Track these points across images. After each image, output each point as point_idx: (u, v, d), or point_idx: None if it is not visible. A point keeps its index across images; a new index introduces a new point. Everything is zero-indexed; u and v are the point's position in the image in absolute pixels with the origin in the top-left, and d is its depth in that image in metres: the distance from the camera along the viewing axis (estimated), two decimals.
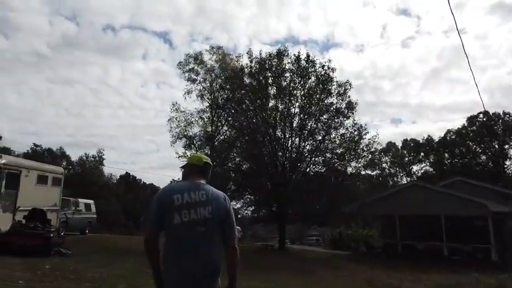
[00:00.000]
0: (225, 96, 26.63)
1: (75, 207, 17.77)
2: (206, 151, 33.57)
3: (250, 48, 23.94)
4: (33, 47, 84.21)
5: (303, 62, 22.95)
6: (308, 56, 22.98)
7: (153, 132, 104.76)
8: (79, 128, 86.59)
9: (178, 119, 33.49)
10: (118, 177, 69.15)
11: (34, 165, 13.57)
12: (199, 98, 34.67)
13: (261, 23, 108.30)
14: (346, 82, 23.06)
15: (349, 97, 22.89)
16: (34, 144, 58.53)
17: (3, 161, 11.30)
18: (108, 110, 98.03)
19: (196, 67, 35.35)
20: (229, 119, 26.53)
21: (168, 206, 2.43)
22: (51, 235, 9.39)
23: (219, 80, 30.47)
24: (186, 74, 34.99)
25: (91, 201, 20.79)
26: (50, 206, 14.12)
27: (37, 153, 58.28)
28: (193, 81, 35.12)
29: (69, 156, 63.98)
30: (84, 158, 62.34)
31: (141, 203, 67.04)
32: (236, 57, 23.16)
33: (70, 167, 64.25)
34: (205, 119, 34.27)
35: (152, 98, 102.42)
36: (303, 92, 23.23)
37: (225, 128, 30.64)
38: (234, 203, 32.26)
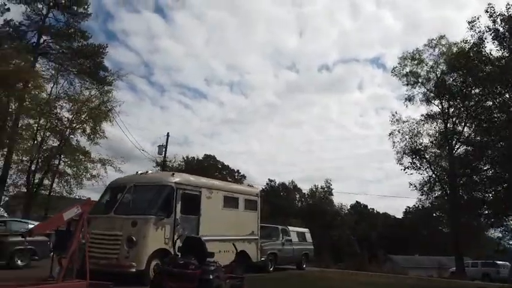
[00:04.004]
0: (459, 83, 19.82)
1: (284, 237, 14.99)
2: (443, 164, 26.57)
3: (489, 4, 16.52)
4: (265, 99, 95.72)
5: None
6: None
7: (380, 159, 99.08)
8: (309, 163, 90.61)
9: (401, 131, 28.05)
10: (348, 206, 66.98)
11: (218, 184, 11.41)
12: (423, 103, 28.50)
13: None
14: None
15: None
16: (269, 179, 62.80)
17: (175, 180, 9.32)
18: (333, 143, 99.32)
19: (414, 68, 29.50)
20: (472, 113, 19.39)
21: None
22: (211, 276, 6.29)
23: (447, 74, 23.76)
24: (404, 79, 29.62)
25: (305, 230, 17.81)
26: (246, 234, 11.61)
27: (273, 188, 62.49)
28: (413, 84, 29.32)
29: (301, 189, 65.87)
30: (314, 189, 63.07)
31: (376, 233, 62.04)
32: (469, 23, 16.54)
33: (302, 199, 66.35)
34: (437, 124, 27.49)
35: (373, 126, 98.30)
36: None
37: (467, 128, 23.24)
38: (492, 231, 23.67)
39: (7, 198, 21.29)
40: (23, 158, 18.76)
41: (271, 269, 13.79)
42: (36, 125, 19.05)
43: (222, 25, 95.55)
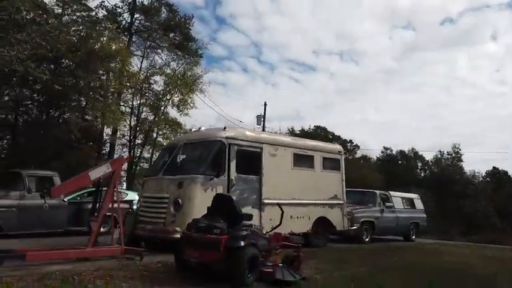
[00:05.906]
0: None
1: (383, 203, 12.72)
2: None
3: None
4: (379, 65, 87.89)
5: None
6: None
7: None
8: (435, 129, 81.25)
9: None
10: (484, 173, 58.29)
11: (285, 140, 9.72)
12: None
13: None
14: None
15: None
16: (384, 147, 57.90)
17: (227, 134, 8.01)
18: (463, 105, 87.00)
19: None
20: None
21: None
22: (241, 243, 4.86)
23: None
24: None
25: (414, 196, 15.13)
26: (326, 198, 9.86)
27: (390, 156, 57.67)
28: None
29: (423, 157, 59.45)
30: (439, 155, 56.34)
31: None
32: None
33: (426, 168, 60.06)
34: None
35: None
36: None
37: None
38: None
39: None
40: (124, 134, 19.75)
41: (367, 239, 11.79)
42: (132, 100, 19.83)
43: None
